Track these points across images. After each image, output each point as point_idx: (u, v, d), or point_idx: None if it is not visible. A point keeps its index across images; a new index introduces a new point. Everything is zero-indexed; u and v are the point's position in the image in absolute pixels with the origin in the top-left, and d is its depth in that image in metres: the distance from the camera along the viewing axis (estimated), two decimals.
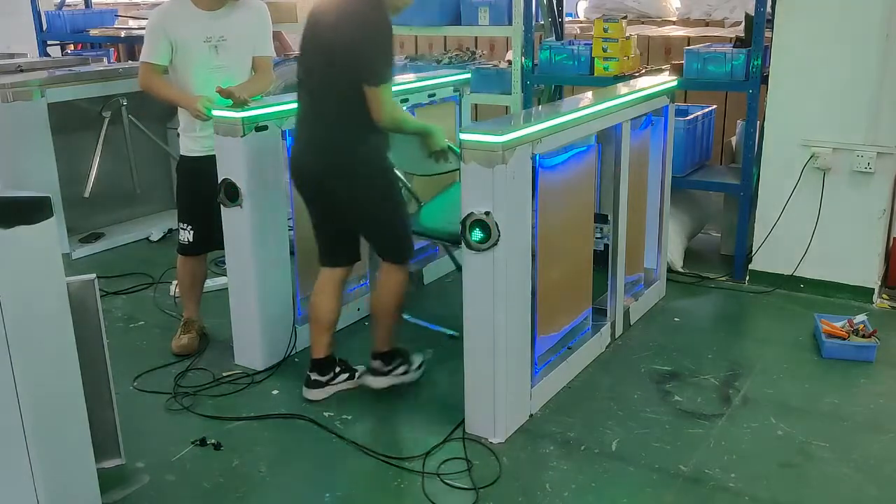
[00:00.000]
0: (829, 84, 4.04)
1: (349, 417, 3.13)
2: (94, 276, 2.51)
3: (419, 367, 3.39)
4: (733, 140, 5.14)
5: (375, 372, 3.28)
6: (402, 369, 3.31)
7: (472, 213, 2.78)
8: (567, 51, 4.89)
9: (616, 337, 3.79)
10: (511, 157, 2.74)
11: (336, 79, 2.91)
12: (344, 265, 3.25)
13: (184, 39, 3.44)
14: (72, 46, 8.38)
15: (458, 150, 2.88)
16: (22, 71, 5.41)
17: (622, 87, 3.86)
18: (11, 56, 6.45)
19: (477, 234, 2.79)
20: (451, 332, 3.74)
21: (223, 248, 3.52)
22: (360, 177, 3.00)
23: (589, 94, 3.83)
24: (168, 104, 3.93)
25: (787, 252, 4.29)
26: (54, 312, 2.22)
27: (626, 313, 3.87)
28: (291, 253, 3.60)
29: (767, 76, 4.22)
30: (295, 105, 3.14)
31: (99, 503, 2.45)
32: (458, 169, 2.94)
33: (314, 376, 3.28)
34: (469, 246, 2.82)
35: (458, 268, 3.70)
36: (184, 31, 3.44)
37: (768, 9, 4.23)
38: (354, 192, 3.01)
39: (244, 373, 3.49)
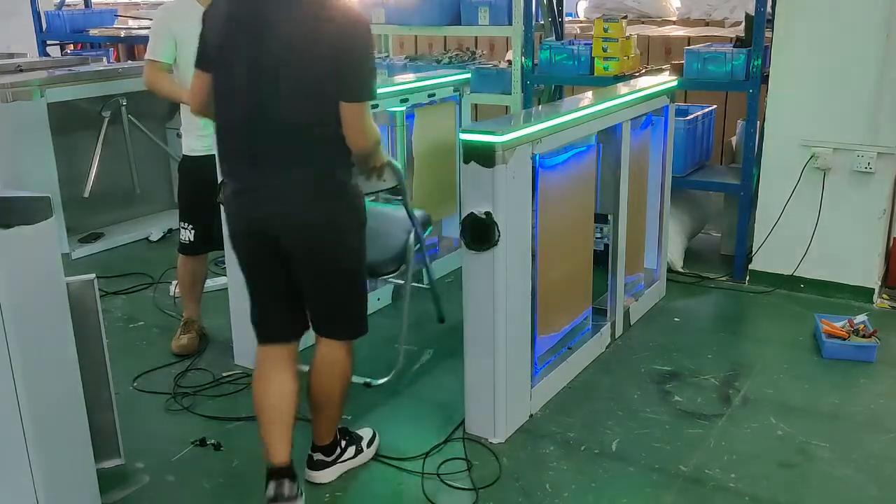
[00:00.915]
0: (829, 84, 4.04)
1: (349, 418, 3.13)
2: (93, 276, 2.51)
3: (372, 440, 2.88)
4: (733, 140, 5.14)
5: (318, 465, 2.71)
6: (350, 451, 2.78)
7: (472, 213, 2.78)
8: (567, 51, 4.89)
9: (616, 337, 3.79)
10: (511, 157, 2.74)
11: (307, 90, 2.25)
12: (299, 337, 2.61)
13: (189, 37, 3.43)
14: (71, 46, 8.38)
15: (399, 166, 2.73)
16: (22, 71, 5.40)
17: (622, 87, 3.86)
18: (11, 56, 6.44)
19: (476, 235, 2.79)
20: (369, 381, 3.29)
21: (223, 248, 3.52)
22: (347, 230, 2.43)
23: (589, 94, 3.83)
24: (172, 102, 3.94)
25: (788, 252, 4.29)
26: (54, 312, 2.22)
27: (626, 313, 3.87)
28: None
29: (767, 76, 4.22)
30: None
31: (99, 503, 2.45)
32: (397, 186, 2.80)
33: (318, 456, 2.72)
34: (469, 246, 2.82)
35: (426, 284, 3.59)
36: (189, 29, 3.43)
37: (768, 9, 4.23)
38: (338, 251, 2.44)
39: (244, 373, 3.48)
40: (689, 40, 5.98)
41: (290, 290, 2.50)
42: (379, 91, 4.00)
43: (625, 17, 4.98)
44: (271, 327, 2.58)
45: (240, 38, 2.27)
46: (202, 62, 2.41)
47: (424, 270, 3.49)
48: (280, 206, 2.34)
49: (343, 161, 2.36)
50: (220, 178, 2.83)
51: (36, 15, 7.57)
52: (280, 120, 2.27)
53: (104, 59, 7.14)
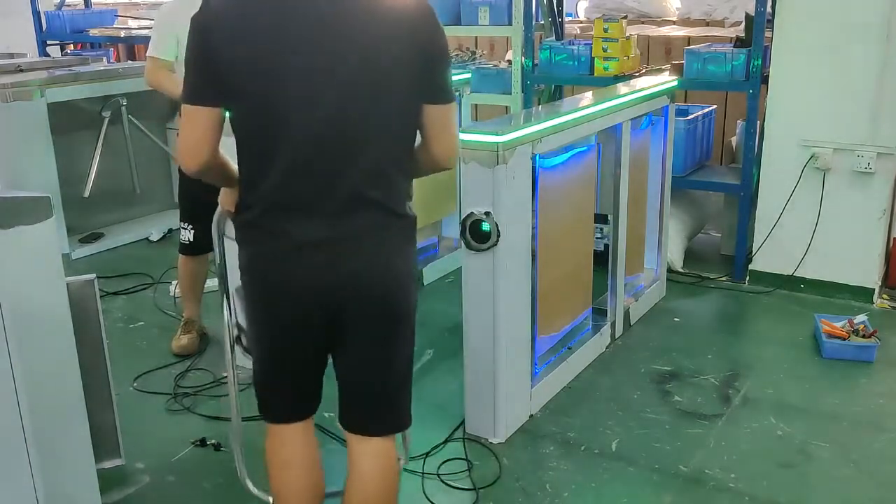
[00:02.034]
0: (829, 84, 4.04)
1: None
2: (94, 276, 2.51)
3: None
4: (733, 140, 5.14)
5: None
6: None
7: (471, 213, 2.78)
8: (567, 51, 4.89)
9: (616, 337, 3.79)
10: (511, 157, 2.74)
11: (404, 106, 1.82)
12: (315, 410, 2.12)
13: None
14: (71, 46, 8.38)
15: None
16: (22, 71, 5.40)
17: (622, 87, 3.86)
18: (11, 56, 6.44)
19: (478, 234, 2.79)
20: None
21: None
22: (413, 281, 1.99)
23: (589, 94, 3.83)
24: (172, 101, 3.94)
25: (788, 252, 4.29)
26: (54, 312, 2.22)
27: (626, 313, 3.87)
28: None
29: (767, 76, 4.22)
30: None
31: (99, 503, 2.45)
32: None
33: None
34: (469, 246, 2.82)
35: None
36: None
37: (768, 9, 4.22)
38: (410, 311, 1.98)
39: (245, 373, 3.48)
40: (689, 40, 5.97)
41: (322, 363, 2.04)
42: None
43: (625, 17, 4.98)
44: (291, 406, 2.08)
45: (307, 53, 1.70)
46: (210, 92, 1.75)
47: None
48: (366, 260, 1.84)
49: (409, 193, 1.95)
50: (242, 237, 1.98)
51: (36, 15, 7.57)
52: (373, 150, 1.78)
53: (104, 59, 7.13)
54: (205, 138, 1.78)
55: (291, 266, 1.83)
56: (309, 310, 1.87)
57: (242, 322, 2.18)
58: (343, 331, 1.91)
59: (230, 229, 2.10)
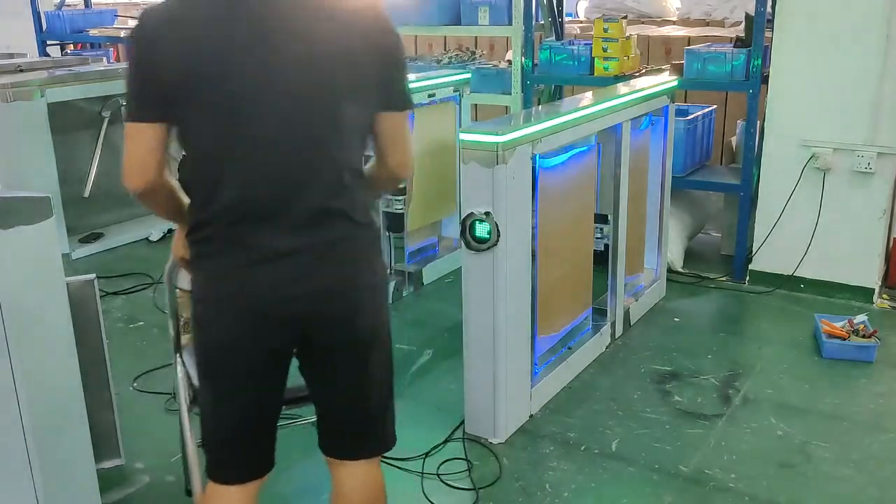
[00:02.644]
0: (829, 84, 4.04)
1: None
2: (94, 276, 2.51)
3: None
4: (733, 140, 5.14)
5: None
6: None
7: (472, 213, 2.78)
8: (567, 51, 4.89)
9: (616, 337, 3.79)
10: (511, 157, 2.74)
11: (360, 110, 1.72)
12: (269, 469, 1.91)
13: None
14: (71, 46, 8.38)
15: None
16: (22, 71, 5.40)
17: (622, 87, 3.86)
18: (11, 56, 6.44)
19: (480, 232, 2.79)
20: None
21: None
22: (386, 295, 1.95)
23: (589, 94, 3.83)
24: None
25: (788, 252, 4.29)
26: (54, 312, 2.22)
27: (626, 313, 3.87)
28: None
29: (767, 76, 4.22)
30: None
31: (99, 503, 2.45)
32: None
33: None
34: (469, 246, 2.82)
35: None
36: None
37: (768, 9, 4.23)
38: (385, 328, 1.88)
39: None
40: (689, 40, 5.98)
41: (279, 405, 1.89)
42: None
43: (625, 17, 4.98)
44: (247, 460, 1.87)
45: (259, 60, 1.60)
46: (154, 108, 1.63)
47: None
48: (332, 274, 1.73)
49: (374, 202, 1.98)
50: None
51: (36, 15, 7.57)
52: (332, 156, 1.69)
53: (104, 59, 7.14)
54: (151, 156, 1.67)
55: (253, 280, 1.69)
56: (272, 330, 1.73)
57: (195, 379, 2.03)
58: (313, 354, 1.82)
59: (184, 280, 1.98)
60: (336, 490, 1.94)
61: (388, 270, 4.39)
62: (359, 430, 1.91)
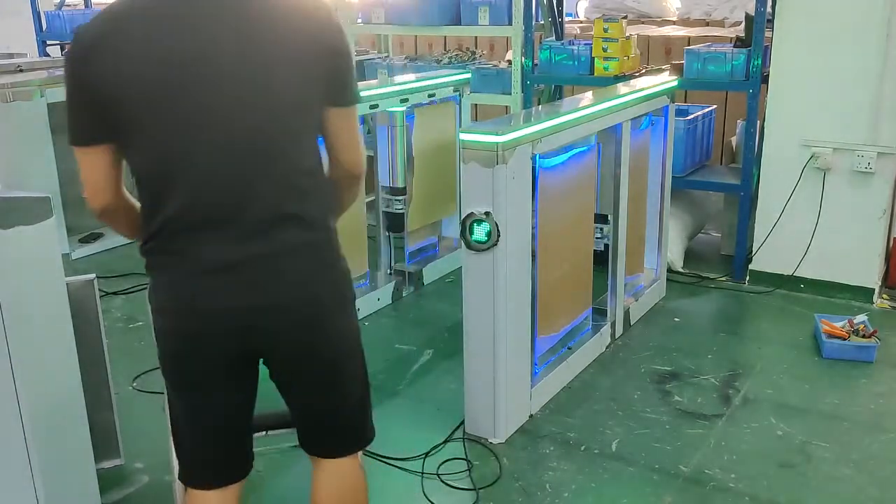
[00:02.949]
0: (829, 84, 4.04)
1: None
2: (93, 276, 2.51)
3: None
4: (733, 140, 5.14)
5: None
6: None
7: (471, 213, 2.78)
8: (567, 51, 4.89)
9: (616, 337, 3.79)
10: (511, 157, 2.74)
11: (304, 110, 1.67)
12: (246, 472, 1.92)
13: None
14: None
15: None
16: (22, 71, 5.40)
17: (622, 87, 3.86)
18: (11, 56, 6.45)
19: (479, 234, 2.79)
20: None
21: None
22: (350, 303, 1.83)
23: (589, 94, 3.83)
24: None
25: (788, 252, 4.29)
26: (54, 312, 2.22)
27: (626, 313, 3.87)
28: None
29: (767, 76, 4.22)
30: None
31: (99, 503, 2.45)
32: None
33: None
34: (469, 246, 2.82)
35: None
36: None
37: (768, 9, 4.23)
38: (348, 336, 1.84)
39: None
40: (689, 40, 5.98)
41: (250, 409, 1.87)
42: (379, 91, 4.05)
43: (625, 17, 4.98)
44: (220, 466, 1.87)
45: (201, 63, 1.55)
46: (98, 128, 1.61)
47: None
48: (287, 283, 1.67)
49: (331, 205, 1.79)
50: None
51: (36, 15, 7.57)
52: (281, 160, 1.64)
53: None
54: (104, 178, 1.66)
55: (200, 292, 1.65)
56: (221, 342, 1.69)
57: None
58: (272, 365, 1.78)
59: None
60: (315, 485, 1.94)
61: (389, 270, 4.39)
62: (333, 431, 1.90)
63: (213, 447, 1.85)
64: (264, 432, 2.14)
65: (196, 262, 1.64)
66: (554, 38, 5.50)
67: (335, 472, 1.92)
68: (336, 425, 1.90)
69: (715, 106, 5.12)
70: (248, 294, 1.65)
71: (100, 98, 1.56)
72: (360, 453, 1.96)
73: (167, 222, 1.63)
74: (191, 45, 1.54)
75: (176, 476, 1.99)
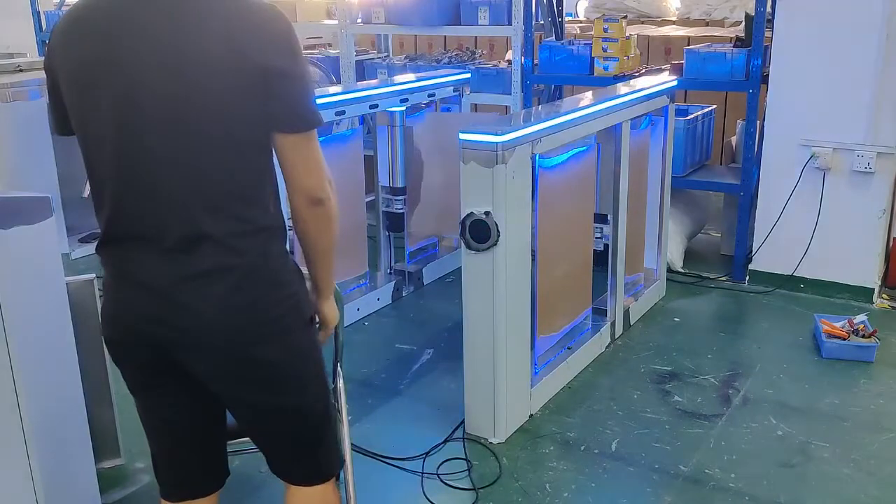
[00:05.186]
0: (829, 84, 4.04)
1: (349, 418, 3.13)
2: (93, 276, 2.51)
3: None
4: (733, 140, 5.14)
5: None
6: None
7: (471, 212, 2.78)
8: (567, 51, 4.89)
9: (616, 337, 3.79)
10: (511, 157, 2.74)
11: (238, 137, 1.55)
12: (222, 484, 1.94)
13: None
14: None
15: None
16: (22, 71, 5.40)
17: (622, 87, 3.85)
18: (11, 56, 6.44)
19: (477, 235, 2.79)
20: None
21: None
22: (289, 333, 1.69)
23: (589, 94, 3.83)
24: None
25: (787, 252, 4.29)
26: (54, 312, 2.22)
27: (626, 313, 3.87)
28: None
29: (767, 76, 4.22)
30: None
31: (99, 503, 2.45)
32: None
33: None
34: (469, 246, 2.82)
35: None
36: None
37: (768, 9, 4.23)
38: (281, 370, 1.70)
39: None
40: (689, 40, 5.98)
41: (206, 425, 1.82)
42: (379, 91, 4.04)
43: (625, 18, 4.98)
44: (183, 476, 1.86)
45: (127, 72, 1.50)
46: (62, 120, 1.65)
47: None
48: (207, 311, 1.58)
49: (274, 232, 1.66)
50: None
51: (36, 15, 7.57)
52: (205, 178, 1.55)
53: None
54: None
55: (125, 302, 1.64)
56: (149, 356, 1.65)
57: None
58: (207, 387, 1.70)
59: None
60: None
61: (389, 270, 4.39)
62: (283, 462, 1.84)
63: (169, 458, 1.83)
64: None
65: (123, 273, 1.63)
66: (554, 38, 5.49)
67: (301, 498, 1.86)
68: (285, 458, 1.83)
69: (715, 106, 5.12)
70: (162, 312, 1.59)
71: (55, 92, 1.61)
72: (328, 486, 1.88)
73: (104, 230, 1.62)
74: (121, 53, 1.50)
75: None
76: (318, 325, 1.84)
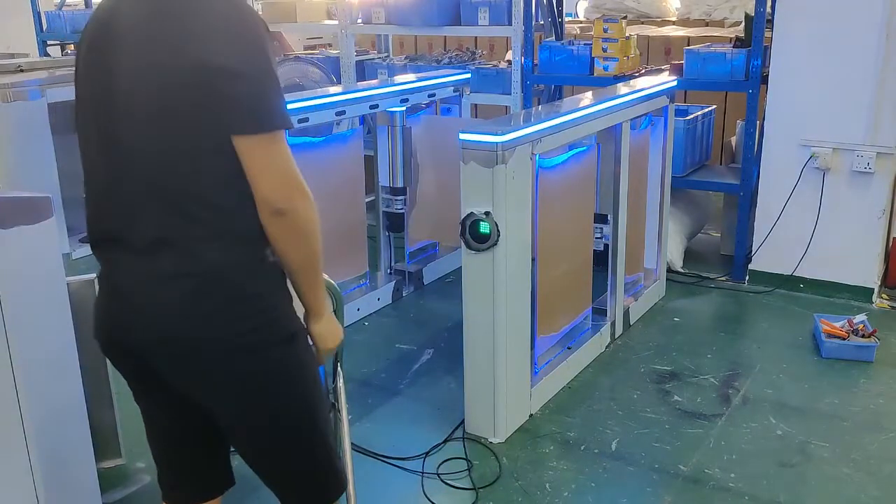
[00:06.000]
0: (829, 84, 4.04)
1: (349, 418, 3.13)
2: (94, 276, 2.50)
3: None
4: (733, 140, 5.14)
5: None
6: None
7: (472, 212, 2.78)
8: (567, 51, 4.90)
9: (616, 337, 3.79)
10: (511, 157, 2.74)
11: (195, 137, 1.50)
12: (223, 491, 1.89)
13: None
14: (72, 46, 8.36)
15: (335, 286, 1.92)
16: (22, 71, 5.40)
17: (622, 87, 3.86)
18: (11, 56, 6.45)
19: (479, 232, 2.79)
20: None
21: None
22: (266, 349, 1.60)
23: (589, 94, 3.83)
24: None
25: (787, 252, 4.29)
26: (54, 312, 2.22)
27: (626, 313, 3.87)
28: None
29: (767, 76, 4.22)
30: None
31: (99, 503, 2.45)
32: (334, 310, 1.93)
33: None
34: (469, 246, 2.82)
35: None
36: None
37: (768, 9, 4.23)
38: (255, 387, 1.62)
39: None
40: (689, 40, 5.98)
41: (202, 428, 1.76)
42: (380, 91, 4.04)
43: (625, 18, 4.98)
44: (182, 480, 1.84)
45: (102, 76, 1.54)
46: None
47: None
48: (161, 314, 1.55)
49: (253, 238, 1.56)
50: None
51: (36, 15, 7.57)
52: (163, 182, 1.52)
53: None
54: None
55: (101, 303, 1.65)
56: (128, 360, 1.66)
57: None
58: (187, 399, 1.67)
59: None
60: None
61: (389, 270, 4.40)
62: (275, 484, 1.79)
63: (167, 461, 1.82)
64: None
65: (105, 275, 1.64)
66: (554, 38, 5.50)
67: None
68: (273, 482, 1.78)
69: (714, 106, 5.12)
70: (129, 318, 1.58)
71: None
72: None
73: (87, 230, 1.65)
74: (98, 56, 1.55)
75: None
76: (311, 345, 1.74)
